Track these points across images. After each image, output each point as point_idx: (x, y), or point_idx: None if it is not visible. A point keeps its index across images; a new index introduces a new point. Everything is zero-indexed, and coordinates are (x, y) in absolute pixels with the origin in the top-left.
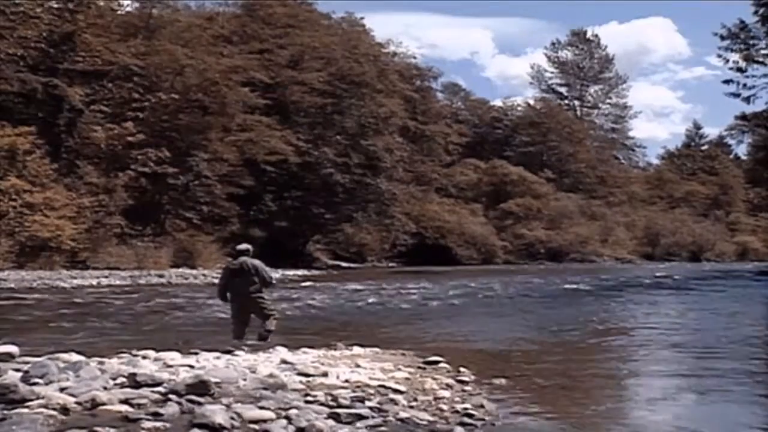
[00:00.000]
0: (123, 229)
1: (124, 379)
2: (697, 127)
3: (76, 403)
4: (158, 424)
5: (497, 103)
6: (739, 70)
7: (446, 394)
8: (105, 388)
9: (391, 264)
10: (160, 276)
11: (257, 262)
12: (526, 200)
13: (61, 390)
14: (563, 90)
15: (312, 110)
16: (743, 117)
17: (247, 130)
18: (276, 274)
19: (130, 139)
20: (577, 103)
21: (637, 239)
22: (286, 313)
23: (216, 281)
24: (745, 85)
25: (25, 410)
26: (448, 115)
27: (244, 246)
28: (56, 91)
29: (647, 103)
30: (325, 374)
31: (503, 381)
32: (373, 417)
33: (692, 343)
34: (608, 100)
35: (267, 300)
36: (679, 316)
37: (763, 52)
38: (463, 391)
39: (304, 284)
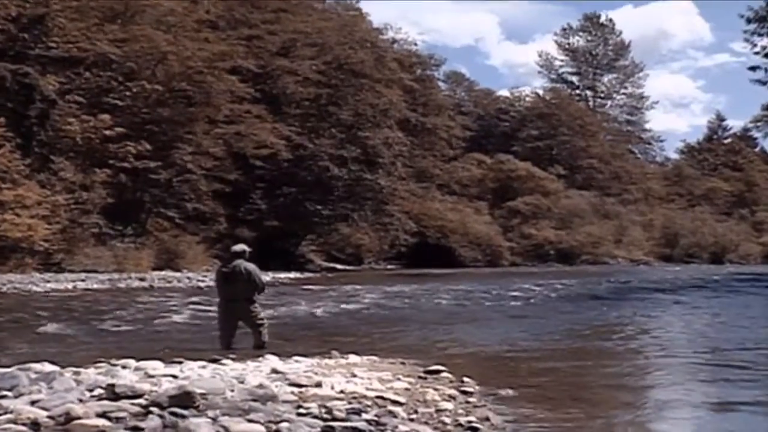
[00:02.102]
0: (101, 228)
1: (101, 391)
2: (720, 118)
3: (49, 417)
4: None
5: (503, 93)
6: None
7: (449, 405)
8: (80, 401)
9: (389, 266)
10: (142, 279)
11: (251, 267)
12: (534, 198)
13: (32, 403)
14: (574, 79)
15: (305, 101)
16: None
17: (234, 122)
18: (266, 277)
19: (108, 132)
20: (589, 93)
21: (654, 240)
22: (276, 320)
23: (201, 284)
24: None
25: None
26: (451, 107)
27: (239, 247)
28: (27, 80)
29: (665, 93)
30: (318, 384)
31: (510, 391)
32: (370, 430)
33: (714, 350)
34: (623, 90)
35: (258, 308)
36: (699, 322)
37: None
38: (467, 402)
39: (296, 288)
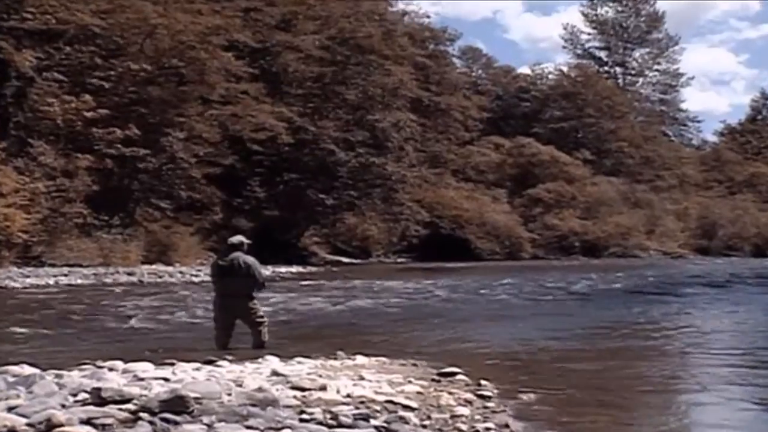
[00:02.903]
0: (85, 219)
1: (86, 395)
2: (765, 96)
3: (28, 424)
4: None
5: (524, 70)
6: None
7: (465, 411)
8: (63, 406)
9: (399, 259)
10: (130, 274)
11: (250, 260)
12: (557, 185)
13: (10, 409)
14: (602, 54)
15: (307, 80)
16: None
17: (230, 103)
18: (266, 271)
19: (91, 114)
20: (619, 69)
21: (689, 230)
22: (277, 318)
23: (195, 279)
24: None
25: None
26: (467, 86)
27: (237, 239)
28: (0, 55)
29: (704, 69)
30: (323, 388)
31: (531, 396)
32: None
33: (755, 351)
34: (656, 66)
35: (257, 305)
36: (738, 320)
37: None
38: (485, 407)
39: (298, 283)
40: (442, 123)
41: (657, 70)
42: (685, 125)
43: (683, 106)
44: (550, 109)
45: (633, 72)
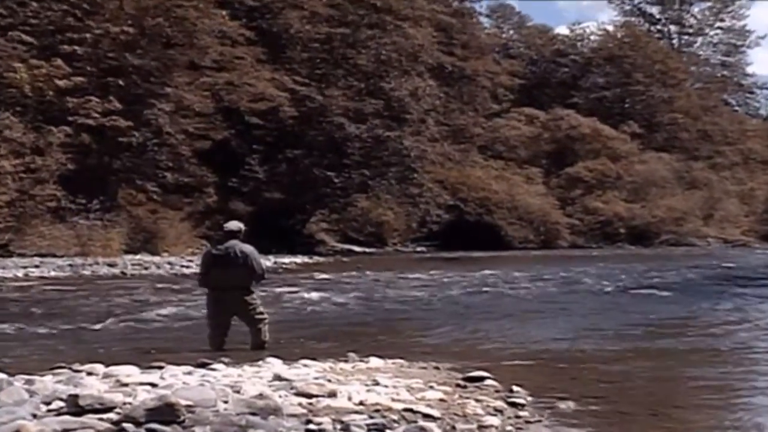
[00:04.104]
0: (59, 202)
1: (61, 404)
2: None
3: None
4: None
5: (562, 31)
6: None
7: (494, 421)
8: (35, 416)
9: (419, 248)
10: (111, 265)
11: (248, 248)
12: (600, 163)
13: None
14: (654, 11)
15: (313, 43)
16: None
17: (224, 69)
18: (267, 262)
19: (63, 82)
20: (673, 28)
21: (754, 215)
22: (279, 315)
23: (186, 271)
24: None
25: None
26: (497, 49)
27: (234, 225)
28: None
29: None
30: (332, 394)
31: (571, 404)
32: None
33: None
34: (718, 24)
35: (256, 299)
36: None
37: None
38: (517, 417)
39: (303, 275)
40: (467, 92)
41: (719, 28)
42: (751, 93)
43: (749, 70)
44: (593, 76)
45: (690, 31)
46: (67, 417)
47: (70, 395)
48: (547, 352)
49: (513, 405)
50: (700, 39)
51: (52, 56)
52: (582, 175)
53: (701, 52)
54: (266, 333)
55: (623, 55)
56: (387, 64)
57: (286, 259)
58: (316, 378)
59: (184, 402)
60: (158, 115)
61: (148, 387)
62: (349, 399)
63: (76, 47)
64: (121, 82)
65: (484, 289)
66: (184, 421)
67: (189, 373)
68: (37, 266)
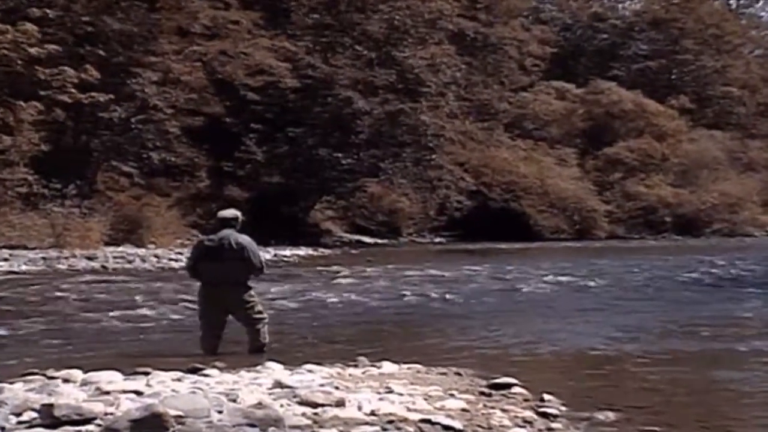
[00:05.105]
0: (31, 187)
1: (33, 414)
2: None
3: None
4: None
5: None
6: None
7: None
8: (3, 429)
9: (437, 239)
10: (90, 258)
11: (245, 240)
12: (644, 142)
13: None
14: None
15: (318, 6)
16: None
17: (217, 36)
18: (266, 255)
19: (35, 49)
20: None
21: None
22: (281, 313)
23: (175, 265)
24: None
25: None
26: (525, 13)
27: (229, 213)
28: None
29: None
30: (340, 403)
31: (610, 414)
32: None
33: None
34: None
35: (255, 297)
36: None
37: None
38: (549, 429)
39: (308, 269)
40: (492, 62)
41: None
42: None
43: None
44: (635, 43)
45: None
46: (40, 429)
47: (44, 405)
48: (583, 356)
49: (544, 416)
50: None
51: (19, 20)
52: (622, 156)
53: (763, 14)
54: (266, 334)
55: (671, 19)
56: (401, 30)
57: (288, 252)
58: (322, 385)
59: (173, 412)
60: (144, 85)
61: (133, 395)
62: (360, 409)
63: (47, 10)
64: (100, 50)
65: (511, 285)
66: None
67: (179, 380)
68: (6, 259)
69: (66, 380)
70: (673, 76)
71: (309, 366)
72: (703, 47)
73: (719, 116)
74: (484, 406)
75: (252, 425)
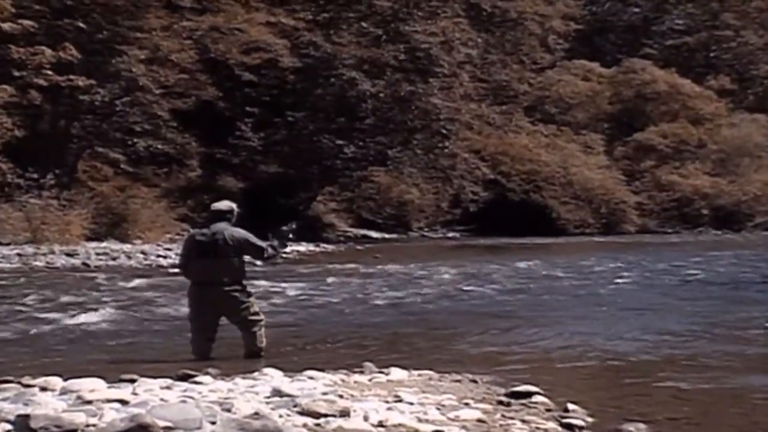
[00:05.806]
0: (5, 176)
1: (8, 426)
2: None
3: None
4: None
5: None
6: None
7: None
8: None
9: (451, 234)
10: (70, 254)
11: (240, 233)
12: (679, 127)
13: None
14: None
15: None
16: None
17: (209, 11)
18: None
19: (8, 25)
20: None
21: None
22: (279, 315)
23: (163, 261)
24: None
25: None
26: None
27: (224, 205)
28: None
29: None
30: (345, 413)
31: (641, 426)
32: None
33: None
34: None
35: (251, 297)
36: None
37: None
38: None
39: (309, 267)
40: (511, 39)
41: None
42: None
43: None
44: (669, 18)
45: None
46: None
47: (20, 416)
48: (611, 362)
49: (568, 427)
50: None
51: None
52: (655, 142)
53: None
54: (262, 338)
55: None
56: (410, 3)
57: (287, 248)
58: (325, 393)
59: (161, 423)
60: (129, 64)
61: (118, 405)
62: (366, 419)
63: None
64: (80, 24)
65: (532, 284)
66: None
67: (168, 388)
68: None
69: (44, 388)
70: (711, 54)
71: (310, 372)
72: (746, 22)
73: (763, 98)
74: (503, 416)
75: None
